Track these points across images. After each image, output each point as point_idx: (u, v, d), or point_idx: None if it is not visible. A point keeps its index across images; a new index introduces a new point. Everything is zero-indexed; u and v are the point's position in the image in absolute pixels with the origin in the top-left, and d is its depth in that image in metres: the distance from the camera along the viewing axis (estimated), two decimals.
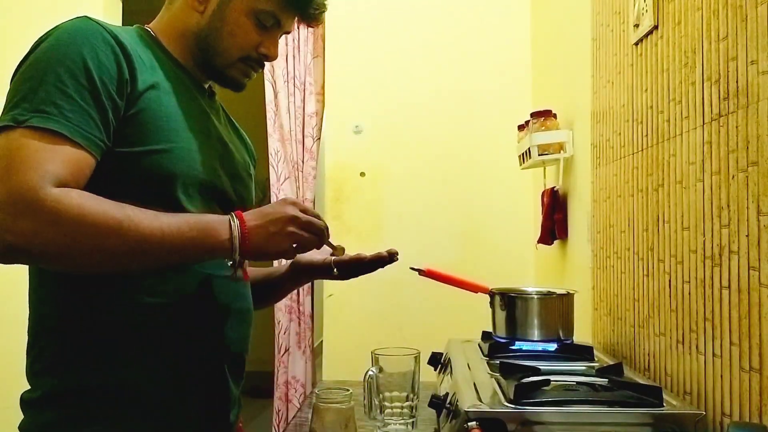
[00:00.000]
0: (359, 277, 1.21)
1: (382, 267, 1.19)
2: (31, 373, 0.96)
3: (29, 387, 0.96)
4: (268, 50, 1.05)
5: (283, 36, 1.11)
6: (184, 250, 0.87)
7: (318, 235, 0.95)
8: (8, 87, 0.91)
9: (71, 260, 0.83)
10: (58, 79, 0.85)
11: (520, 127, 2.18)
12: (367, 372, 1.15)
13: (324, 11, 1.08)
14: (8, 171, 0.80)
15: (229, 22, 1.01)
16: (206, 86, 1.10)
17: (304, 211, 0.94)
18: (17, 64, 0.93)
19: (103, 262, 0.85)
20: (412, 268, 1.48)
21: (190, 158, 0.95)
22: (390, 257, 1.18)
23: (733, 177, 0.96)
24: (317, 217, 0.96)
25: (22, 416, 0.95)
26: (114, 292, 0.91)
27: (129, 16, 2.88)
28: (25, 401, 0.95)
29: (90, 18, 0.94)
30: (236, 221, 0.89)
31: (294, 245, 0.93)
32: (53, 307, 0.94)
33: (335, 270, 1.19)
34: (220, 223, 0.89)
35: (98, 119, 0.86)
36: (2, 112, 0.86)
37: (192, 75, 1.06)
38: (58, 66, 0.86)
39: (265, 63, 1.08)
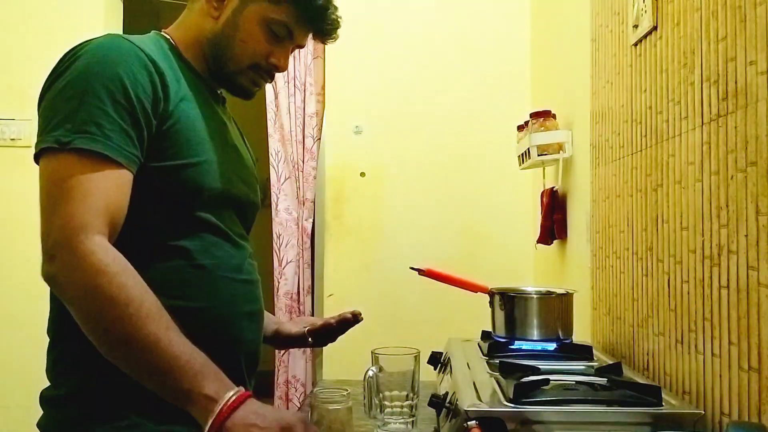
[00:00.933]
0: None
1: (350, 328, 1.28)
2: (54, 371, 0.96)
3: (49, 384, 0.96)
4: (278, 61, 1.06)
5: None
6: (167, 380, 0.82)
7: None
8: (35, 101, 0.92)
9: (74, 310, 0.84)
10: (97, 98, 0.87)
11: (520, 128, 2.18)
12: (367, 371, 1.16)
13: (338, 28, 1.11)
14: (58, 201, 0.83)
15: (241, 29, 1.03)
16: (219, 93, 1.13)
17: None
18: (48, 80, 0.93)
19: (92, 330, 0.84)
20: (412, 268, 1.48)
21: (214, 170, 0.98)
22: (354, 318, 1.27)
23: (732, 177, 0.97)
24: None
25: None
26: None
27: (129, 15, 2.88)
28: (47, 398, 0.95)
29: (120, 36, 0.96)
30: (230, 396, 0.82)
31: None
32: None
33: (310, 339, 1.27)
34: (216, 388, 0.83)
35: (135, 137, 0.89)
36: (43, 131, 0.87)
37: (207, 83, 1.08)
38: (97, 85, 0.88)
39: (276, 74, 1.10)
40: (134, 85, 0.89)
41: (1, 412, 2.51)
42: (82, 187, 0.83)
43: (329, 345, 1.33)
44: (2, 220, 2.58)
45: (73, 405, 0.92)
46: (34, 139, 0.89)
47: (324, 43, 1.14)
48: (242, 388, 0.85)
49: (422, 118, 2.71)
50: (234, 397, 0.82)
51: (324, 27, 1.08)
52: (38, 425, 0.95)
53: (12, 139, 2.56)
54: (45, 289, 0.91)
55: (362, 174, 2.71)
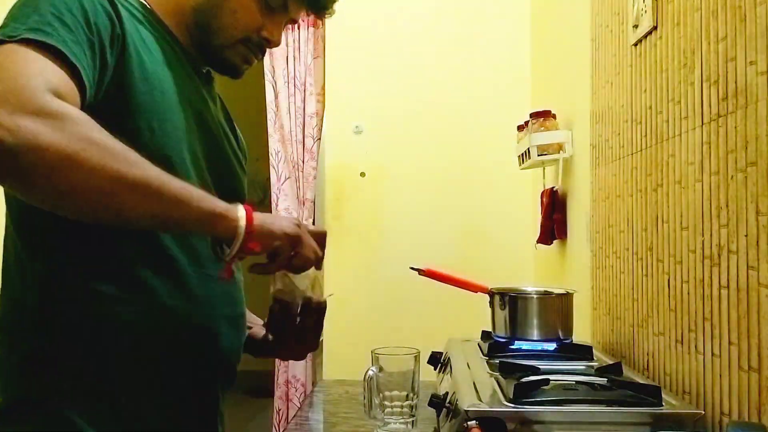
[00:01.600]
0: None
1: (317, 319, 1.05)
2: None
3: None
4: (271, 34, 0.97)
5: (284, 37, 1.05)
6: (188, 206, 0.76)
7: (320, 245, 0.89)
8: None
9: (66, 180, 0.69)
10: (54, 7, 0.76)
11: (520, 128, 2.18)
12: (367, 371, 1.16)
13: (334, 1, 1.01)
14: (6, 76, 0.69)
15: (230, 5, 0.93)
16: (204, 71, 1.02)
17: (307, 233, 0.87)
18: None
19: (101, 190, 0.70)
20: (412, 268, 1.48)
21: (182, 143, 0.88)
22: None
23: (732, 177, 0.97)
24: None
25: (20, 416, 0.91)
26: (101, 289, 0.82)
27: None
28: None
29: None
30: (243, 213, 0.80)
31: (293, 253, 0.85)
32: (25, 302, 0.84)
33: (270, 336, 1.03)
34: (226, 206, 0.80)
35: (90, 57, 0.76)
36: None
37: (190, 56, 0.97)
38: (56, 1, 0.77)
39: (266, 52, 1.01)
40: (94, 12, 0.79)
41: None
42: (36, 65, 0.71)
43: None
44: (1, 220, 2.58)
45: (17, 413, 0.82)
46: None
47: (319, 17, 1.04)
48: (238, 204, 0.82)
49: (422, 118, 2.71)
50: (244, 208, 0.81)
51: (320, 1, 0.99)
52: None
53: None
54: None
55: (362, 174, 2.71)
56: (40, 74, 0.70)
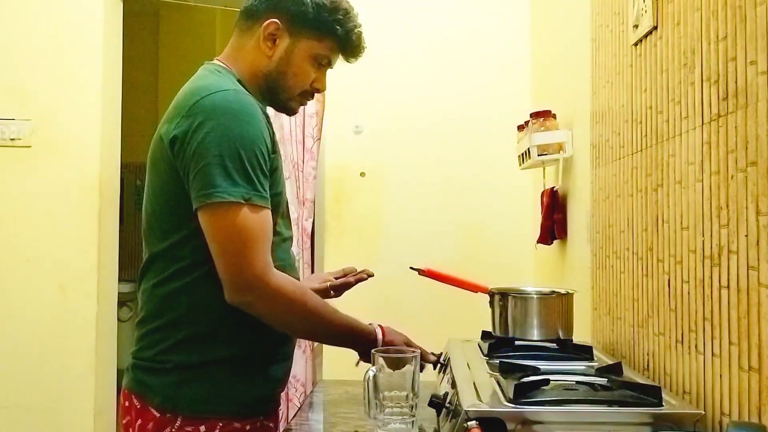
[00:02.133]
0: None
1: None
2: (158, 350, 1.15)
3: (145, 358, 1.17)
4: (320, 85, 1.27)
5: None
6: (339, 343, 1.26)
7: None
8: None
9: (271, 322, 1.15)
10: (254, 156, 1.09)
11: (520, 128, 2.18)
12: (367, 371, 1.16)
13: (364, 53, 1.31)
14: (245, 246, 1.07)
15: (293, 65, 1.22)
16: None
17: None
18: (183, 125, 1.10)
19: (294, 333, 1.26)
20: (412, 268, 1.48)
21: (282, 183, 1.24)
22: (368, 276, 1.48)
23: (732, 177, 0.97)
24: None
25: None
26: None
27: (129, 15, 2.88)
28: (145, 368, 1.16)
29: (239, 92, 1.15)
30: (379, 337, 1.23)
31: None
32: (183, 305, 1.15)
33: (332, 292, 1.46)
34: (366, 337, 1.23)
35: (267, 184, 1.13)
36: (208, 188, 1.06)
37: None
38: (252, 145, 1.10)
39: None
40: (264, 144, 1.12)
41: (0, 413, 2.51)
42: (257, 233, 1.08)
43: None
44: (1, 220, 2.58)
45: (178, 371, 1.13)
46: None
47: (349, 63, 1.32)
48: (377, 326, 1.26)
49: (422, 118, 2.70)
50: (378, 325, 1.25)
51: (358, 54, 1.30)
52: (131, 387, 1.16)
53: (12, 139, 2.55)
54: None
55: (362, 174, 2.71)
56: (265, 246, 1.11)
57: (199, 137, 1.07)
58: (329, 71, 1.30)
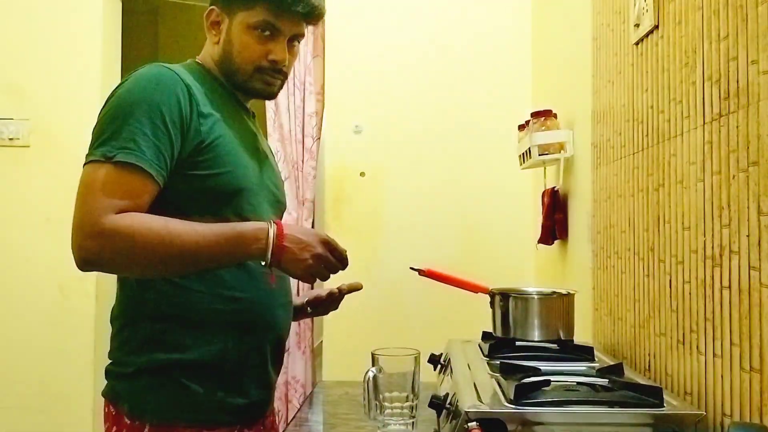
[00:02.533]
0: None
1: (337, 299, 1.41)
2: (121, 351, 1.14)
3: (112, 362, 1.15)
4: (275, 55, 1.18)
5: None
6: (219, 258, 1.07)
7: (341, 261, 1.15)
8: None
9: (129, 270, 1.08)
10: (137, 120, 1.04)
11: (521, 127, 2.18)
12: (367, 372, 1.15)
13: (316, 7, 1.19)
14: (85, 199, 1.01)
15: (235, 42, 1.18)
16: (249, 107, 1.29)
17: (334, 244, 1.13)
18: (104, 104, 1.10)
19: (155, 269, 1.06)
20: (412, 268, 1.48)
21: (249, 174, 1.16)
22: (356, 289, 1.40)
23: (734, 177, 0.96)
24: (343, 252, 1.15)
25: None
26: (195, 291, 1.11)
27: (128, 14, 2.88)
28: (116, 374, 1.13)
29: (164, 65, 1.11)
30: (273, 230, 1.06)
31: (320, 266, 1.11)
32: (148, 301, 1.12)
33: (309, 309, 1.42)
34: (255, 232, 1.06)
35: (167, 154, 1.06)
36: (92, 146, 1.04)
37: (236, 98, 1.24)
38: (138, 108, 1.05)
39: (283, 68, 1.21)
40: (170, 110, 1.06)
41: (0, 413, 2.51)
42: (109, 187, 1.01)
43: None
44: (0, 220, 2.57)
45: (144, 376, 1.10)
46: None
47: (312, 24, 1.24)
48: (270, 221, 1.09)
49: (422, 118, 2.70)
50: (274, 229, 1.06)
51: (301, 10, 1.17)
52: (106, 394, 1.14)
53: (10, 139, 2.55)
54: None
55: (362, 174, 2.71)
56: (109, 197, 1.01)
57: (101, 110, 1.09)
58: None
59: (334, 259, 1.13)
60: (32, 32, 2.58)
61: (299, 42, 1.23)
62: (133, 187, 1.03)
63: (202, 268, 1.09)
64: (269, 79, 1.20)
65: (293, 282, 2.04)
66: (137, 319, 1.12)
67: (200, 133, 1.09)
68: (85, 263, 1.01)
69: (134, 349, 1.12)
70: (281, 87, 1.24)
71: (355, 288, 1.39)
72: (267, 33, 1.17)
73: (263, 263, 1.07)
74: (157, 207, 1.06)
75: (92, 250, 0.99)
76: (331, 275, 1.15)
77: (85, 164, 1.04)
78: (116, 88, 1.11)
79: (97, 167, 1.02)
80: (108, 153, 1.02)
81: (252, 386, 1.17)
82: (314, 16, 1.21)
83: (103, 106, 1.09)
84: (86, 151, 1.06)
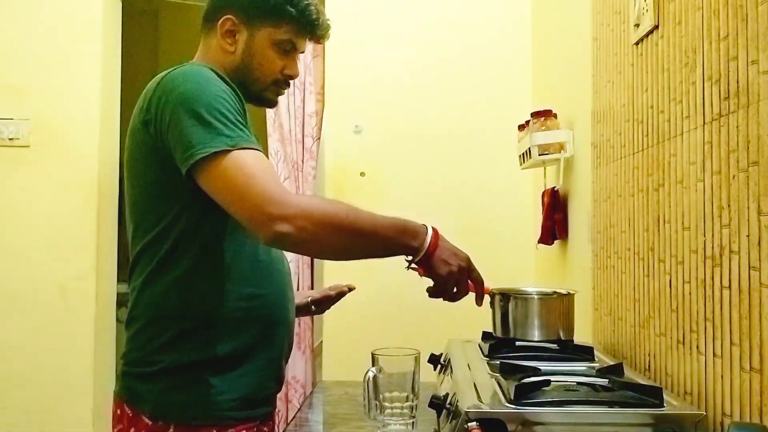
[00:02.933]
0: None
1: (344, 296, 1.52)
2: (146, 351, 1.14)
3: (130, 362, 1.16)
4: (291, 71, 1.26)
5: None
6: (387, 245, 1.12)
7: (477, 283, 1.25)
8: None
9: (316, 247, 1.10)
10: (226, 108, 1.07)
11: (521, 127, 2.18)
12: (367, 372, 1.15)
13: (329, 29, 1.30)
14: (250, 182, 1.02)
15: (256, 55, 1.22)
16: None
17: (474, 267, 1.24)
18: (145, 108, 1.12)
19: (338, 249, 1.11)
20: (411, 268, 1.47)
21: None
22: (348, 290, 1.51)
23: (734, 177, 0.96)
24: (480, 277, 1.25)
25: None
26: (219, 289, 1.13)
27: (128, 15, 2.88)
28: (138, 374, 1.14)
29: (202, 66, 1.15)
30: (430, 233, 1.15)
31: (461, 278, 1.19)
32: (172, 301, 1.12)
33: (314, 307, 1.49)
34: (416, 227, 1.14)
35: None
36: (189, 149, 1.03)
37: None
38: (220, 99, 1.07)
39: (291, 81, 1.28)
40: (233, 100, 1.10)
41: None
42: (258, 167, 1.04)
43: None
44: (0, 220, 2.57)
45: (168, 376, 1.11)
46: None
47: (320, 43, 1.34)
48: (430, 226, 1.17)
49: (422, 118, 2.70)
50: (431, 231, 1.16)
51: (320, 33, 1.28)
52: (122, 395, 1.14)
53: (10, 139, 2.55)
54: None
55: (362, 174, 2.71)
56: (275, 176, 1.08)
57: (170, 107, 1.06)
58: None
59: (469, 280, 1.21)
60: (32, 32, 2.58)
61: None
62: (267, 163, 1.08)
63: (371, 254, 1.16)
64: (281, 90, 1.28)
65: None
66: (160, 319, 1.13)
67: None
68: (278, 240, 1.02)
69: (157, 349, 1.12)
70: None
71: (347, 291, 1.51)
72: (288, 49, 1.24)
73: (411, 258, 1.15)
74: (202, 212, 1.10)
75: (284, 234, 1.01)
76: (456, 297, 1.22)
77: (204, 159, 1.03)
78: (172, 86, 1.09)
79: (228, 155, 1.03)
80: (230, 143, 1.03)
81: (272, 382, 1.21)
82: (326, 38, 1.31)
83: (169, 103, 1.07)
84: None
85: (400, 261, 1.19)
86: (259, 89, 1.24)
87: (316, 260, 2.94)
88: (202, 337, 1.12)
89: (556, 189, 2.06)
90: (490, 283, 1.49)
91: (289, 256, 3.03)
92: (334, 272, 2.67)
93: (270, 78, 1.24)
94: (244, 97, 1.22)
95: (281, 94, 1.29)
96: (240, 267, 1.15)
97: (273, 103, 1.30)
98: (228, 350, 1.13)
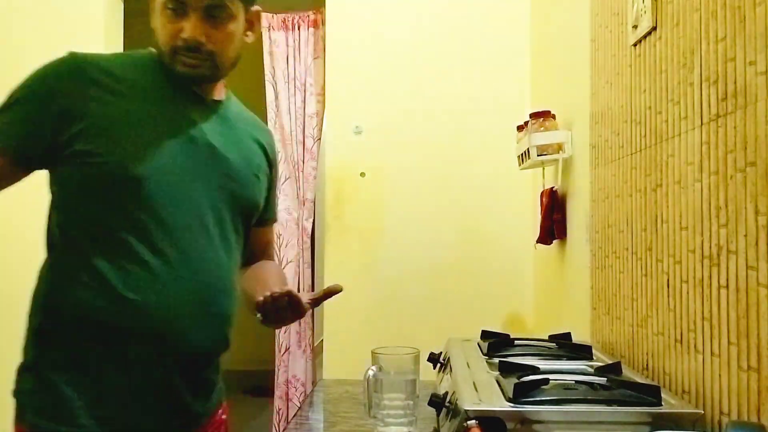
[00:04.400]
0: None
1: (290, 307, 1.10)
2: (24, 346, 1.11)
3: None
4: (187, 33, 1.08)
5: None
6: None
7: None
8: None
9: None
10: (16, 99, 1.06)
11: (520, 128, 2.19)
12: (367, 371, 1.16)
13: None
14: None
15: (156, 26, 1.12)
16: (202, 94, 1.17)
17: None
18: None
19: None
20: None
21: (158, 161, 1.06)
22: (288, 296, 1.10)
23: (731, 177, 0.97)
24: None
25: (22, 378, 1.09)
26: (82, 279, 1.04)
27: (130, 16, 2.88)
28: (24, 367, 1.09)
29: (74, 53, 1.10)
30: None
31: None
32: (35, 292, 1.10)
33: (258, 315, 1.12)
34: None
35: (33, 132, 1.05)
36: None
37: (184, 86, 1.14)
38: (21, 88, 1.06)
39: (201, 48, 1.09)
40: (39, 86, 1.06)
41: None
42: None
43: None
44: (0, 221, 2.58)
45: (23, 379, 1.07)
46: None
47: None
48: None
49: (422, 118, 2.71)
50: None
51: None
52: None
53: None
54: None
55: (362, 174, 2.71)
56: None
57: None
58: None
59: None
60: (33, 33, 2.58)
61: (224, 16, 1.10)
62: None
63: None
64: (187, 60, 1.09)
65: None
66: (32, 308, 1.10)
67: (84, 112, 1.04)
68: None
69: (25, 345, 1.09)
70: (214, 68, 1.12)
71: (333, 291, 1.13)
72: (174, 9, 1.08)
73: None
74: (61, 199, 1.06)
75: None
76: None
77: None
78: None
79: None
80: None
81: (127, 391, 1.05)
82: None
83: None
84: None
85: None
86: (168, 62, 1.11)
87: (316, 261, 2.95)
88: (43, 335, 1.07)
89: (554, 189, 2.06)
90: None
91: (290, 253, 3.03)
92: (334, 272, 2.68)
93: (167, 46, 1.09)
94: (172, 77, 1.13)
95: (193, 65, 1.10)
96: (103, 262, 1.04)
97: (191, 76, 1.11)
98: (60, 352, 1.06)
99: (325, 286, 1.14)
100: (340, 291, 1.12)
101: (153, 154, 1.06)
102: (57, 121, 1.04)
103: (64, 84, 1.06)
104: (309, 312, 2.49)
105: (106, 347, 1.04)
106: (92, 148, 1.03)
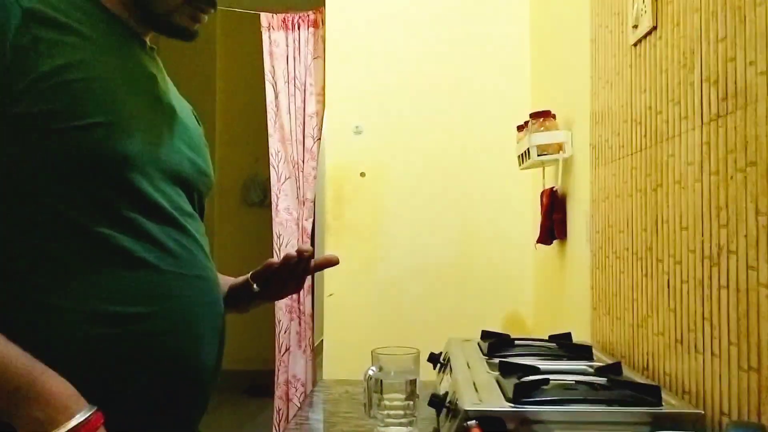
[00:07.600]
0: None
1: (298, 270, 1.05)
2: None
3: None
4: None
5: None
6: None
7: None
8: None
9: None
10: None
11: (520, 128, 2.19)
12: (367, 371, 1.16)
13: None
14: None
15: None
16: (146, 41, 0.96)
17: None
18: None
19: None
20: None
21: (136, 131, 0.82)
22: (299, 255, 1.03)
23: (732, 177, 0.97)
24: None
25: None
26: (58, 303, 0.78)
27: None
28: None
29: None
30: (88, 415, 0.72)
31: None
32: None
33: (255, 285, 1.05)
34: (59, 399, 0.71)
35: None
36: None
37: (129, 29, 0.91)
38: None
39: (210, 9, 0.93)
40: None
41: None
42: None
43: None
44: None
45: None
46: None
47: None
48: (92, 411, 0.72)
49: (422, 118, 2.71)
50: (94, 412, 0.72)
51: None
52: None
53: None
54: None
55: (362, 174, 2.71)
56: None
57: None
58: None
59: None
60: None
61: None
62: None
63: None
64: (199, 14, 0.92)
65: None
66: None
67: (40, 59, 0.76)
68: None
69: None
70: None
71: (331, 261, 1.09)
72: None
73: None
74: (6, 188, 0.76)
75: None
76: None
77: None
78: None
79: None
80: None
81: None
82: None
83: None
84: None
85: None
86: (166, 8, 0.90)
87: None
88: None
89: (554, 189, 2.06)
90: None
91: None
92: (334, 272, 2.68)
93: None
94: (148, 23, 0.93)
95: (200, 20, 0.93)
96: (85, 270, 0.79)
97: (187, 33, 0.94)
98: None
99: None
100: (337, 263, 1.08)
101: (132, 118, 0.83)
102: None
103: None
104: (309, 312, 2.54)
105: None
106: (62, 110, 0.77)
